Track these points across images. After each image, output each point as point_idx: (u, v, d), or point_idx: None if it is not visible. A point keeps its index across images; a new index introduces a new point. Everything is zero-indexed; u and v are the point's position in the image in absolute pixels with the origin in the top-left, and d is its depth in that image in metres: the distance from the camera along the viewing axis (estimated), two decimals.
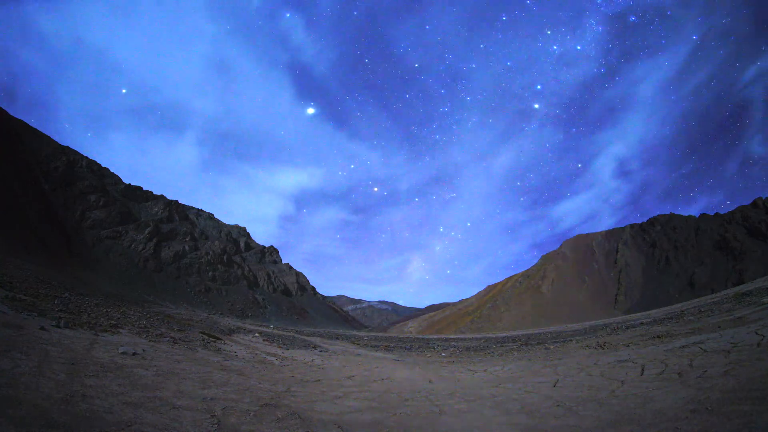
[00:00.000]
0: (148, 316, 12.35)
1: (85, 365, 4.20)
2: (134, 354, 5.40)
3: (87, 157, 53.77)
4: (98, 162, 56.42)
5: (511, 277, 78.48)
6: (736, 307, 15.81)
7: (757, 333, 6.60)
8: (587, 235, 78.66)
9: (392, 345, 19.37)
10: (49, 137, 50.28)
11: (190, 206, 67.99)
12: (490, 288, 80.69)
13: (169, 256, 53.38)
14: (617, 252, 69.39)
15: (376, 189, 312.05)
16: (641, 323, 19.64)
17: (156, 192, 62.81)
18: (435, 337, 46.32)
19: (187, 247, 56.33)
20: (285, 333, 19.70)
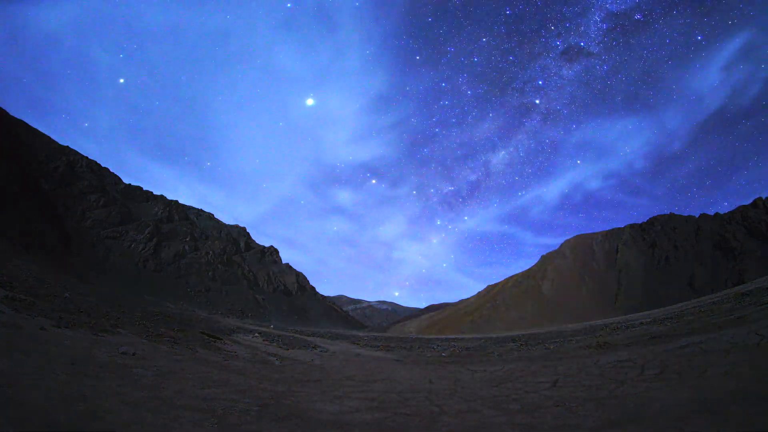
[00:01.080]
0: (148, 316, 12.34)
1: (85, 365, 4.20)
2: (134, 354, 5.39)
3: (87, 157, 53.80)
4: (98, 162, 56.46)
5: (511, 277, 78.52)
6: (736, 307, 15.80)
7: (757, 333, 6.60)
8: (587, 235, 78.71)
9: (392, 345, 19.36)
10: (48, 137, 50.32)
11: (190, 206, 68.00)
12: (490, 288, 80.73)
13: (169, 256, 53.42)
14: (617, 252, 69.43)
15: (374, 181, 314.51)
16: (641, 323, 19.64)
17: (156, 192, 62.85)
18: (435, 337, 46.30)
19: (187, 247, 56.36)
20: (285, 333, 19.70)
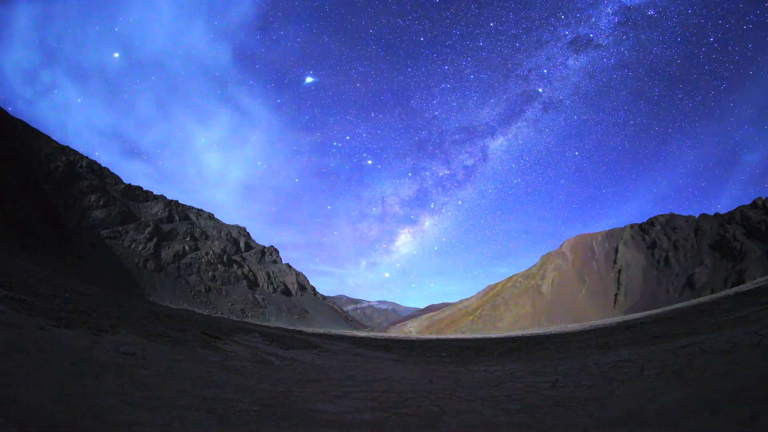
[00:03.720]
0: (148, 315, 12.34)
1: (85, 365, 4.20)
2: (134, 354, 5.39)
3: (87, 157, 53.85)
4: (98, 162, 56.45)
5: (511, 278, 78.54)
6: (736, 307, 15.82)
7: (757, 333, 6.60)
8: (587, 234, 78.73)
9: (392, 345, 19.37)
10: (48, 137, 50.34)
11: (190, 206, 68.05)
12: (490, 288, 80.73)
13: (169, 256, 53.43)
14: (617, 252, 69.43)
15: (370, 161, 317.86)
16: (641, 323, 19.67)
17: (156, 192, 62.82)
18: (435, 337, 46.30)
19: (187, 247, 56.37)
20: (285, 333, 19.69)
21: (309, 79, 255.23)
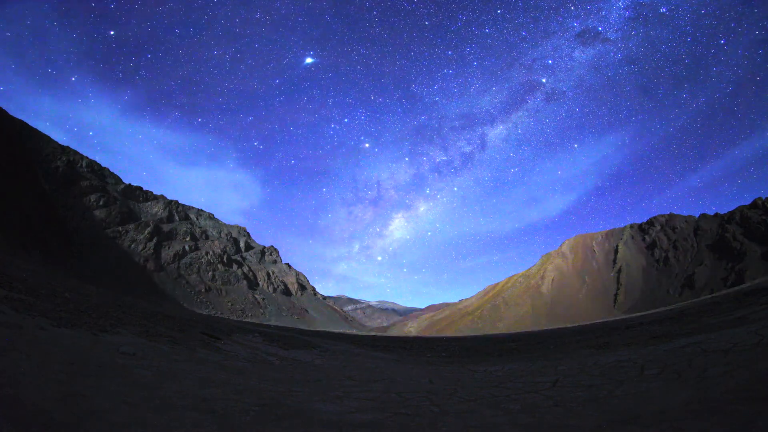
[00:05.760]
0: (148, 316, 12.34)
1: (85, 365, 4.20)
2: (134, 354, 5.39)
3: (87, 157, 53.88)
4: (98, 162, 56.46)
5: (511, 277, 78.57)
6: (736, 307, 15.81)
7: (757, 333, 6.61)
8: (587, 234, 78.73)
9: (392, 345, 19.37)
10: (48, 137, 50.33)
11: (190, 206, 68.05)
12: (490, 288, 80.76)
13: (169, 256, 53.39)
14: (617, 252, 69.41)
15: (367, 145, 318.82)
16: (641, 323, 19.65)
17: (156, 192, 62.82)
18: (435, 337, 46.32)
19: (187, 247, 56.34)
20: (285, 333, 19.69)
21: (309, 60, 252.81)
